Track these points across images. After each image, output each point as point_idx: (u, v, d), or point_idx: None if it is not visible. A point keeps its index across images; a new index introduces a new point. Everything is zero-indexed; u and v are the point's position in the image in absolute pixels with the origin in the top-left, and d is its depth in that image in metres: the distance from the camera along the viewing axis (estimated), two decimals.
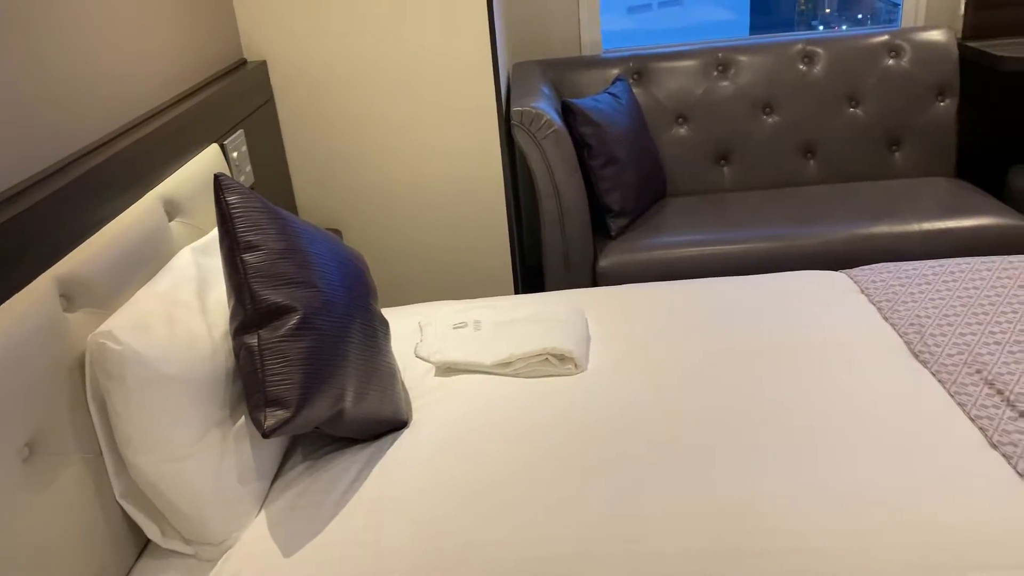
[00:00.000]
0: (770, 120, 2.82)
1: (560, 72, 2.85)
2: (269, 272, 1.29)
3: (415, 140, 2.33)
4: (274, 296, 1.28)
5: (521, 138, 2.32)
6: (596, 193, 2.52)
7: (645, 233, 2.53)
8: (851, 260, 2.39)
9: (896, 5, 2.97)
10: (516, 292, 2.52)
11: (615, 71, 2.84)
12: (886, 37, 2.80)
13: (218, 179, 1.32)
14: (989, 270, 1.88)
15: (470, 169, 2.37)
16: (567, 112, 2.48)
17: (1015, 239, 2.39)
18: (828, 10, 9.95)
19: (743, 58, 2.81)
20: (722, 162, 2.86)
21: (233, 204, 1.31)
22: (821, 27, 10.11)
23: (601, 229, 2.57)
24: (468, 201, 2.40)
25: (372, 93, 2.29)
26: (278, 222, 1.36)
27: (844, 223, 2.44)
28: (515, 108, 2.30)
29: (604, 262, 2.45)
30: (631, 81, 2.84)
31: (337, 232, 2.39)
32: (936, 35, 2.78)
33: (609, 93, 2.66)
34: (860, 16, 9.45)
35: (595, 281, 2.49)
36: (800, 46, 2.81)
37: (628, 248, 2.47)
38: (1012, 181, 2.69)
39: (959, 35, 2.87)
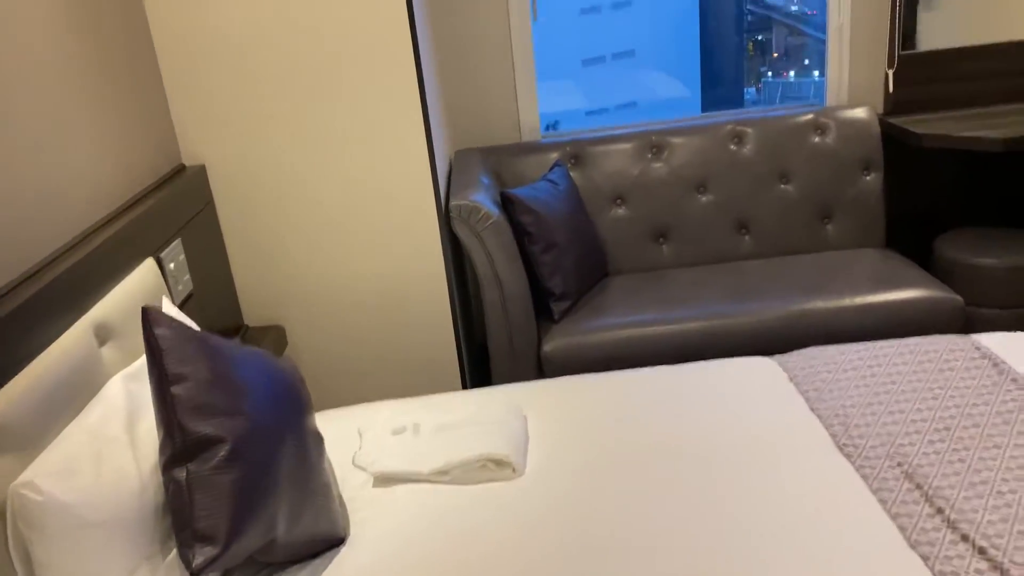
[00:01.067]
0: (704, 199, 2.91)
1: (500, 159, 2.92)
2: (198, 403, 1.30)
3: (356, 234, 2.37)
4: (203, 427, 1.29)
5: (461, 230, 2.37)
6: (538, 278, 2.57)
7: (587, 315, 2.58)
8: (787, 336, 2.46)
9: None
10: (463, 380, 2.54)
11: (553, 156, 2.92)
12: (811, 116, 2.92)
13: (146, 313, 1.34)
14: (912, 352, 1.95)
15: (412, 260, 2.40)
16: (506, 202, 2.54)
17: (942, 310, 2.48)
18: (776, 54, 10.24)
19: (676, 140, 2.91)
20: (661, 240, 2.94)
21: (162, 337, 1.33)
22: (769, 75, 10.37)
23: (545, 312, 2.62)
24: (411, 291, 2.43)
25: (312, 190, 2.32)
26: (207, 350, 1.37)
27: (779, 299, 2.51)
28: (454, 202, 2.36)
29: (548, 347, 2.49)
30: (569, 165, 2.91)
31: (281, 329, 2.41)
32: (859, 112, 2.91)
33: (547, 179, 2.73)
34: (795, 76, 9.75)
35: (540, 365, 2.52)
36: (730, 127, 2.92)
37: (571, 331, 2.51)
38: (938, 250, 2.80)
39: (880, 111, 3.01)
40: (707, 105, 11.68)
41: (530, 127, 3.07)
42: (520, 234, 2.54)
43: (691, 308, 2.54)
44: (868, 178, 2.89)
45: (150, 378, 1.33)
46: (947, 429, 1.64)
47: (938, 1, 2.95)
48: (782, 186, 2.90)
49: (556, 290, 2.57)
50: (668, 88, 11.46)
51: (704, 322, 2.48)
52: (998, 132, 2.64)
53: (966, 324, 2.57)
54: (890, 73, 2.96)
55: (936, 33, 2.96)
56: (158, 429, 1.33)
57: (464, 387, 2.54)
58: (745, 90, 10.77)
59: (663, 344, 2.47)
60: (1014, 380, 1.76)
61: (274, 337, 2.35)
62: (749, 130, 2.91)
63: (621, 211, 2.92)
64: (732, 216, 2.91)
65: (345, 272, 2.41)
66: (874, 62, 2.99)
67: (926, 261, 2.85)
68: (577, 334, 2.50)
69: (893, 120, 2.92)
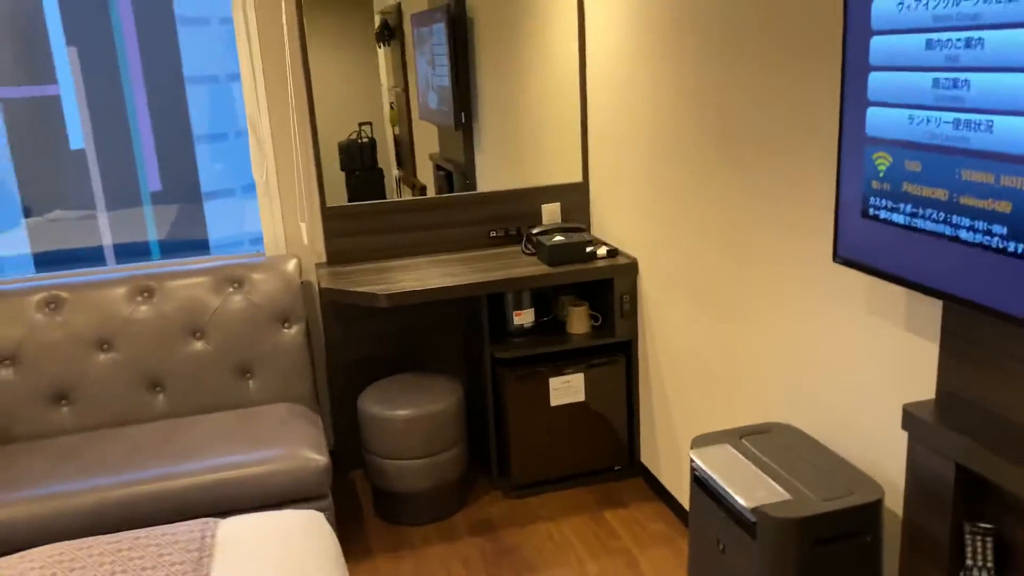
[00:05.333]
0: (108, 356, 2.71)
1: None
2: None
3: None
4: None
5: None
6: None
7: None
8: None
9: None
10: None
11: None
12: (231, 267, 2.85)
13: None
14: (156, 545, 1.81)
15: None
16: None
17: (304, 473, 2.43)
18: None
19: (68, 295, 2.71)
20: (63, 402, 2.69)
21: None
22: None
23: None
24: None
25: None
26: None
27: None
28: None
29: None
30: None
31: None
32: (284, 264, 2.89)
33: None
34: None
35: None
36: (141, 282, 2.78)
37: None
38: (360, 403, 2.81)
39: (324, 261, 3.04)
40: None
41: None
42: None
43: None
44: (289, 331, 2.85)
45: None
46: None
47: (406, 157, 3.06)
48: (196, 342, 2.79)
49: None
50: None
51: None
52: (391, 286, 2.71)
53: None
54: (303, 226, 3.00)
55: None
56: None
57: None
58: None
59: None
60: None
61: None
62: (154, 284, 2.77)
63: (7, 373, 2.64)
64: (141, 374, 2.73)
65: None
66: (311, 214, 3.03)
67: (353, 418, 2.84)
68: None
69: (325, 270, 2.95)
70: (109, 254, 3.13)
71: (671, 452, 2.76)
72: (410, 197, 3.12)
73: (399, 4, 2.99)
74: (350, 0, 2.89)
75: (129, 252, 3.17)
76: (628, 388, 2.98)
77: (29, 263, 3.09)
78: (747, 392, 2.24)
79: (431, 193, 3.14)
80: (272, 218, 3.01)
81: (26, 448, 2.55)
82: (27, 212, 3.08)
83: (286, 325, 2.85)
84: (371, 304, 2.67)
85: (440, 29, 3.01)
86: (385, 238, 3.08)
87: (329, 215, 3.01)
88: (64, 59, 2.99)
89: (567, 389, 2.91)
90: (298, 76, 2.90)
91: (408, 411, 2.74)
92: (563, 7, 3.06)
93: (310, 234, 3.04)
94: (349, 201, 3.03)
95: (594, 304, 3.02)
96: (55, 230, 3.09)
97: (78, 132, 3.04)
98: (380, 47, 2.99)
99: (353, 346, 3.11)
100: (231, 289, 2.82)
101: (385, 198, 3.10)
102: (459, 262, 2.99)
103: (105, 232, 3.12)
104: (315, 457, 2.44)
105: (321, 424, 2.71)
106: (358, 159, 3.05)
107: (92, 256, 3.10)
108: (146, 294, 2.76)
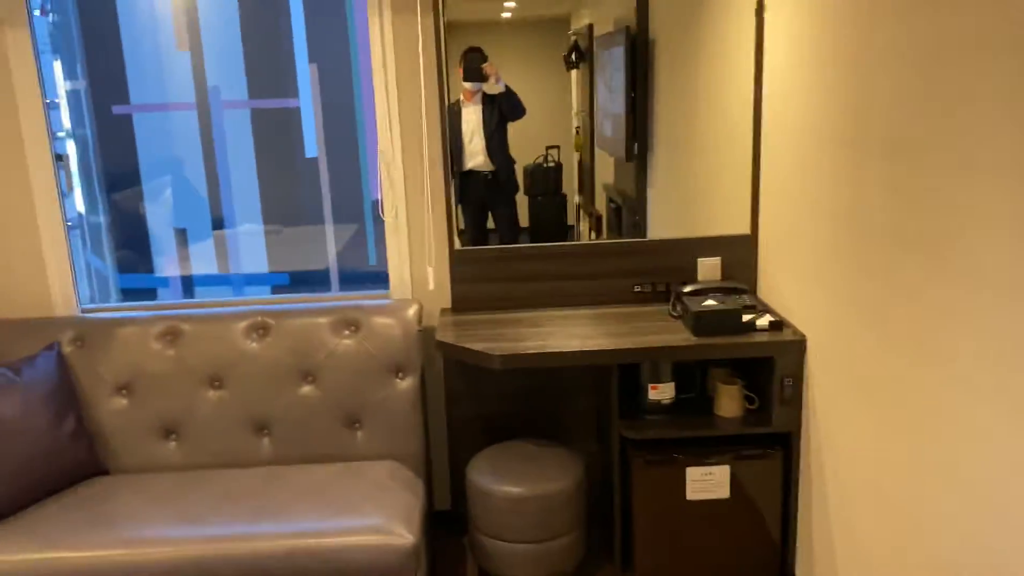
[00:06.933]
0: (217, 394, 2.61)
1: (8, 335, 2.61)
2: None
3: None
4: None
5: None
6: None
7: (13, 532, 2.21)
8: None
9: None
10: None
11: (63, 335, 2.62)
12: (345, 310, 2.67)
13: None
14: None
15: None
16: None
17: (389, 554, 2.16)
18: None
19: (188, 327, 2.64)
20: (172, 437, 2.62)
21: None
22: None
23: None
24: None
25: None
26: None
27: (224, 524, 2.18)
28: None
29: None
30: (74, 347, 2.61)
31: None
32: (404, 309, 2.67)
33: (8, 368, 2.42)
34: None
35: None
36: (259, 318, 2.66)
37: None
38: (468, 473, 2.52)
39: (449, 306, 2.80)
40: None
41: (63, 300, 2.79)
42: None
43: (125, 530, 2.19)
44: (402, 382, 2.62)
45: None
46: None
47: None
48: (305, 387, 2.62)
49: None
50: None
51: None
52: (512, 344, 2.41)
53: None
54: (430, 270, 2.76)
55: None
56: None
57: None
58: None
59: None
60: None
61: None
62: (272, 321, 2.65)
63: (124, 402, 2.60)
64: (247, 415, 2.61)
65: None
66: (439, 256, 2.80)
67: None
68: None
69: (449, 318, 2.70)
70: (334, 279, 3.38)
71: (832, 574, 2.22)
72: (574, 242, 2.80)
73: (591, 25, 2.72)
74: (548, 21, 2.69)
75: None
76: (785, 489, 2.47)
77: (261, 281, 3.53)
78: (928, 532, 1.69)
79: (604, 224, 2.83)
80: (399, 257, 2.80)
81: (130, 481, 2.49)
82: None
83: (400, 376, 2.62)
84: (485, 365, 2.38)
85: (619, 52, 2.70)
86: (516, 286, 2.78)
87: (458, 258, 2.76)
88: (306, 74, 3.38)
89: (709, 482, 2.46)
90: (432, 108, 2.68)
91: (519, 488, 2.41)
92: (742, 37, 2.63)
93: (437, 278, 2.80)
94: (529, 225, 2.82)
95: (750, 383, 2.55)
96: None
97: (312, 142, 3.46)
98: (570, 70, 2.76)
99: (475, 401, 2.83)
100: (347, 332, 2.63)
101: (566, 223, 2.84)
102: (594, 320, 2.62)
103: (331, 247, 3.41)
104: (404, 535, 2.18)
105: (422, 492, 2.45)
106: (543, 183, 2.81)
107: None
108: (262, 331, 2.64)
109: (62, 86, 3.46)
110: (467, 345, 2.43)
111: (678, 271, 2.78)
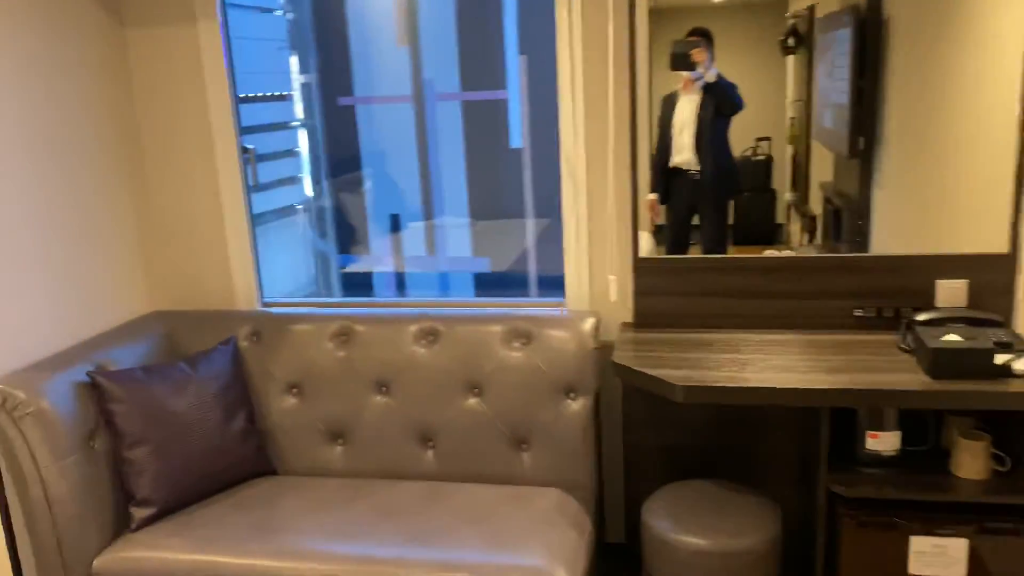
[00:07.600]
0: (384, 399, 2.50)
1: (189, 326, 2.66)
2: None
3: None
4: None
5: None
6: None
7: (177, 528, 2.22)
8: None
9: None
10: None
11: (241, 329, 2.62)
12: (529, 318, 2.46)
13: None
14: None
15: None
16: (94, 386, 2.26)
17: None
18: None
19: (361, 328, 2.54)
20: (339, 441, 2.54)
21: None
22: None
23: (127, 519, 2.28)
24: None
25: None
26: None
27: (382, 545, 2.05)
28: None
29: (99, 560, 2.15)
30: (250, 342, 2.60)
31: None
32: (583, 324, 2.42)
33: (187, 361, 2.43)
34: None
35: None
36: (429, 323, 2.51)
37: (141, 544, 2.16)
38: (644, 515, 2.24)
39: (631, 320, 2.52)
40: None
41: (245, 293, 2.80)
42: (110, 423, 2.24)
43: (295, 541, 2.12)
44: (574, 403, 2.37)
45: None
46: None
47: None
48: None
49: (138, 493, 2.23)
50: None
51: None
52: (700, 373, 2.09)
53: None
54: (612, 280, 2.47)
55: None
56: None
57: None
58: None
59: None
60: None
61: None
62: (441, 327, 2.48)
63: (294, 401, 2.56)
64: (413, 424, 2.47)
65: None
66: (622, 265, 2.52)
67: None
68: (142, 548, 2.15)
69: (630, 335, 2.42)
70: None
71: None
72: (786, 246, 2.43)
73: (812, 7, 2.35)
74: (764, 3, 2.38)
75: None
76: None
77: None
78: None
79: (819, 226, 2.45)
80: (578, 265, 2.55)
81: (295, 484, 2.44)
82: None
83: (571, 396, 2.38)
84: (665, 394, 2.07)
85: (844, 35, 2.31)
86: (710, 302, 2.44)
87: (642, 268, 2.46)
88: (515, 67, 3.43)
89: (939, 556, 2.01)
90: (622, 105, 2.40)
91: (702, 540, 2.09)
92: (1009, 15, 2.13)
93: (620, 290, 2.53)
94: (732, 223, 2.51)
95: (1000, 440, 2.06)
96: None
97: (518, 133, 3.52)
98: (787, 55, 2.41)
99: (657, 430, 2.52)
100: (518, 344, 2.43)
101: (774, 222, 2.49)
102: (801, 348, 2.24)
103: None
104: None
105: (590, 529, 2.20)
106: (750, 178, 2.49)
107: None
108: (431, 336, 2.49)
109: (297, 79, 3.72)
110: (645, 370, 2.13)
111: (911, 294, 2.32)
